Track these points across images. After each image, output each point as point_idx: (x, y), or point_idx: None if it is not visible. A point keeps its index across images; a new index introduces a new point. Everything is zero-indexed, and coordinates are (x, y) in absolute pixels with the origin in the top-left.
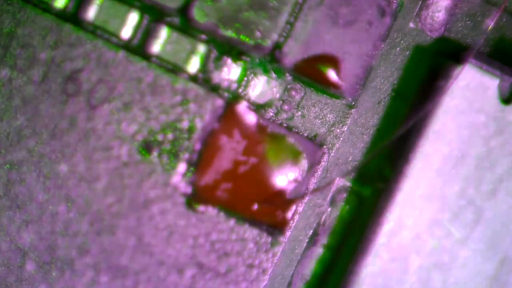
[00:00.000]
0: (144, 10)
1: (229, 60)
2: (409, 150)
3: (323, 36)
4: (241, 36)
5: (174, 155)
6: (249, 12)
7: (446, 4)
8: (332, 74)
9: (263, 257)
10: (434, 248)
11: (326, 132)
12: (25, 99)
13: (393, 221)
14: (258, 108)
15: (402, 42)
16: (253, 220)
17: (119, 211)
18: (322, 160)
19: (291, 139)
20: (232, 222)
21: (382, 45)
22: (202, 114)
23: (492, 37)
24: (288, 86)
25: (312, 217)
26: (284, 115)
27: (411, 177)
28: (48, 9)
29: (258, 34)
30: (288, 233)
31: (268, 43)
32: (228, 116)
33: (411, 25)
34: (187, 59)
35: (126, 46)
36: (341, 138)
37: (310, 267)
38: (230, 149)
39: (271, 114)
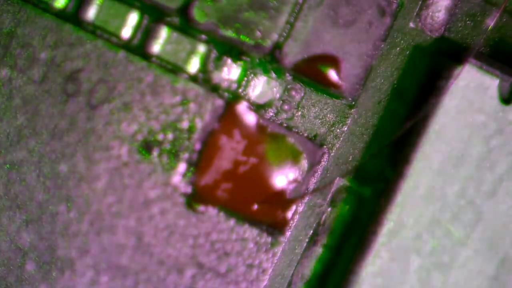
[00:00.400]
0: (144, 10)
1: (229, 60)
2: (409, 150)
3: (323, 36)
4: (241, 36)
5: (174, 155)
6: (249, 12)
7: (446, 4)
8: (332, 74)
9: (263, 257)
10: (434, 248)
11: (326, 132)
12: (25, 99)
13: (393, 221)
14: (258, 108)
15: (402, 42)
16: (253, 220)
17: (119, 211)
18: (322, 160)
19: (291, 139)
20: (232, 222)
21: (382, 45)
22: (202, 114)
23: (492, 37)
24: (288, 86)
25: (312, 217)
26: (284, 115)
27: (411, 177)
28: (48, 9)
29: (258, 34)
30: (288, 233)
31: (268, 43)
32: (228, 116)
33: (411, 25)
34: (187, 59)
35: (126, 46)
36: (341, 138)
37: (310, 267)
38: (230, 149)
39: (271, 114)
